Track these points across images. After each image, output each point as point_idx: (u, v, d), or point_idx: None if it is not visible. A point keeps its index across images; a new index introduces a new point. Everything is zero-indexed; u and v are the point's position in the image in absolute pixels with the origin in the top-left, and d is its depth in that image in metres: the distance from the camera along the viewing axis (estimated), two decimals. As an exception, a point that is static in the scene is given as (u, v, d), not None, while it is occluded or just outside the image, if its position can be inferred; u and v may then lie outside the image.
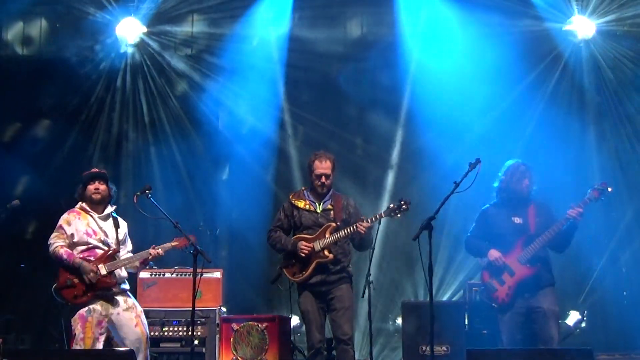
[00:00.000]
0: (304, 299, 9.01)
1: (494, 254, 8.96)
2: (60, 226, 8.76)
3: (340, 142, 14.02)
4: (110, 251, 8.77)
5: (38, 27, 13.67)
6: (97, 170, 9.14)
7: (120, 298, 8.77)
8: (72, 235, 8.71)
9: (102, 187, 8.92)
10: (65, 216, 8.83)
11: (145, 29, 13.51)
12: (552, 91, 13.47)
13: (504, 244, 9.00)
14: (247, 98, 13.94)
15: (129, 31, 13.39)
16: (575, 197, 9.02)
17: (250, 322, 10.26)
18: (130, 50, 13.62)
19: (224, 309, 10.82)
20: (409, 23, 13.54)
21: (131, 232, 9.30)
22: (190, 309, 8.61)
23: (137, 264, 8.97)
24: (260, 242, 13.55)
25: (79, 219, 8.79)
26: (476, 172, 8.12)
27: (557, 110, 13.41)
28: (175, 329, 10.35)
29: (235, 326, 10.23)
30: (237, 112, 14.01)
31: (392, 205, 8.78)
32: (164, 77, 13.78)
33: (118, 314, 8.70)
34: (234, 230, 13.98)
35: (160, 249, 8.87)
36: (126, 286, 8.93)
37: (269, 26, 13.75)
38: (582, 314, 12.56)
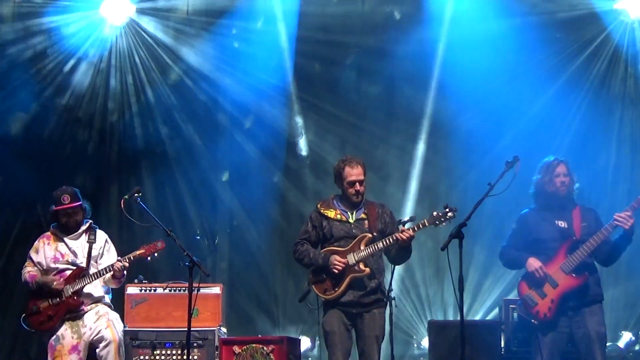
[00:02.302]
0: (329, 318, 8.99)
1: (533, 263, 8.91)
2: (29, 255, 9.48)
3: (360, 135, 14.07)
4: (75, 270, 9.22)
5: (11, 4, 13.64)
6: (67, 200, 9.38)
7: (90, 313, 9.25)
8: (40, 263, 9.34)
9: (73, 210, 9.36)
10: (35, 243, 9.52)
11: (134, 8, 13.57)
12: (602, 79, 13.44)
13: (545, 251, 8.97)
14: (251, 85, 13.95)
15: (115, 10, 13.47)
16: (629, 199, 8.99)
17: (254, 345, 10.25)
18: (116, 32, 13.67)
19: (223, 330, 10.84)
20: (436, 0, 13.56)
21: (121, 240, 9.47)
22: (186, 329, 8.64)
23: (110, 279, 9.33)
24: (265, 253, 13.67)
25: (49, 244, 9.46)
26: (514, 172, 8.14)
27: (607, 100, 13.40)
28: (169, 352, 10.37)
29: (237, 349, 10.23)
30: (239, 101, 14.02)
31: (435, 213, 8.77)
32: (155, 63, 13.81)
33: (90, 328, 9.18)
34: (235, 239, 14.03)
35: (125, 261, 9.15)
36: (101, 304, 9.38)
37: (277, 1, 13.77)
38: (635, 335, 12.56)
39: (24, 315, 9.21)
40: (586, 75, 13.46)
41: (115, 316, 9.38)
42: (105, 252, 9.43)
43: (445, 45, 13.62)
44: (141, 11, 13.65)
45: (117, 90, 13.81)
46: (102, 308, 9.32)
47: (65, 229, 9.36)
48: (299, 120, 14.15)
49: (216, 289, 10.78)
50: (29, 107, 13.53)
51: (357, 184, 8.99)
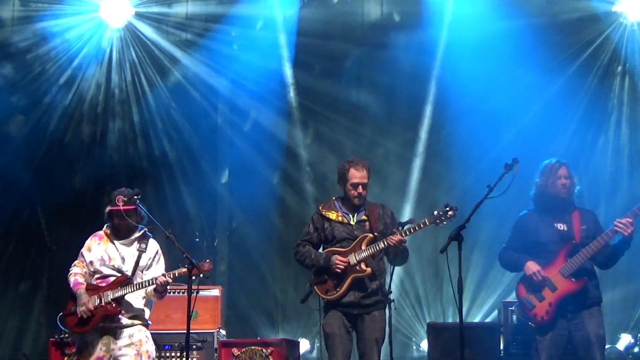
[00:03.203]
0: (330, 320, 8.94)
1: (531, 267, 8.85)
2: (81, 253, 9.05)
3: (357, 139, 14.07)
4: (120, 278, 8.84)
5: (10, 8, 13.62)
6: (121, 202, 8.92)
7: (126, 331, 8.82)
8: (92, 262, 8.96)
9: (126, 212, 8.89)
10: (87, 241, 9.09)
11: (133, 11, 13.56)
12: (601, 80, 13.47)
13: (544, 254, 8.88)
14: (249, 89, 13.94)
15: (114, 13, 13.46)
16: (630, 203, 8.95)
17: (253, 347, 10.26)
18: (116, 35, 13.66)
19: (223, 332, 10.84)
20: (435, 2, 13.52)
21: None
22: (185, 331, 8.58)
23: (151, 292, 8.95)
24: (264, 255, 13.63)
25: (99, 244, 9.03)
26: (513, 174, 8.08)
27: (607, 102, 13.40)
28: (168, 354, 10.36)
29: (236, 351, 10.24)
30: (238, 105, 14.03)
31: (436, 212, 8.72)
32: (154, 65, 13.81)
33: (119, 349, 8.76)
34: (234, 241, 14.01)
35: (169, 276, 8.83)
36: (140, 320, 8.93)
37: (276, 6, 13.76)
38: (634, 337, 12.54)
39: (62, 314, 8.86)
40: (585, 77, 13.47)
41: (147, 347, 8.89)
42: (154, 263, 9.09)
43: (444, 49, 13.64)
44: (140, 15, 13.63)
45: (117, 93, 13.80)
46: (138, 333, 8.84)
47: (117, 232, 9.01)
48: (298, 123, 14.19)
49: (215, 291, 10.78)
50: (29, 110, 13.51)
51: (360, 187, 8.96)
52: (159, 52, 13.79)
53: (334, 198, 9.22)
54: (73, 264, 9.01)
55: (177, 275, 8.82)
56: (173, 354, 10.32)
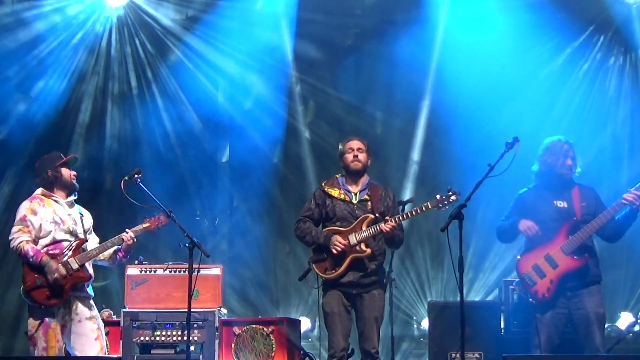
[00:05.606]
0: (329, 299, 8.97)
1: (525, 222, 8.91)
2: (24, 218, 8.49)
3: (358, 117, 14.04)
4: (77, 241, 8.56)
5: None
6: (74, 156, 8.97)
7: (85, 303, 8.60)
8: (40, 226, 8.48)
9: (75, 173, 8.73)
10: (27, 204, 8.56)
11: (133, -11, 13.56)
12: (601, 60, 13.47)
13: (545, 231, 8.92)
14: (251, 66, 13.93)
15: (114, -9, 13.43)
16: (629, 182, 8.96)
17: (254, 326, 10.27)
18: (116, 12, 13.62)
19: (224, 311, 10.83)
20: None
21: (115, 224, 9.34)
22: (186, 310, 8.60)
23: (109, 253, 8.77)
24: (265, 234, 13.63)
25: (44, 206, 8.54)
26: (514, 152, 8.09)
27: (606, 82, 13.40)
28: (169, 333, 10.33)
29: (237, 330, 10.25)
30: (239, 82, 14.01)
31: (439, 196, 8.72)
32: (155, 43, 13.76)
33: (79, 321, 8.54)
34: (235, 220, 14.02)
35: (131, 233, 8.66)
36: (91, 292, 8.72)
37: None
38: (635, 315, 12.56)
39: (24, 287, 8.38)
40: (586, 55, 13.47)
41: (101, 323, 8.73)
42: (93, 230, 8.89)
43: (446, 27, 13.59)
44: (140, -8, 13.64)
45: (117, 72, 13.76)
46: (94, 306, 8.62)
47: (65, 191, 8.64)
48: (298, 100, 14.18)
49: (216, 270, 10.73)
50: (28, 89, 13.49)
51: (357, 150, 9.03)
52: (160, 30, 13.74)
53: (337, 175, 9.23)
54: (16, 231, 8.43)
55: (138, 231, 8.70)
56: (174, 333, 10.27)
